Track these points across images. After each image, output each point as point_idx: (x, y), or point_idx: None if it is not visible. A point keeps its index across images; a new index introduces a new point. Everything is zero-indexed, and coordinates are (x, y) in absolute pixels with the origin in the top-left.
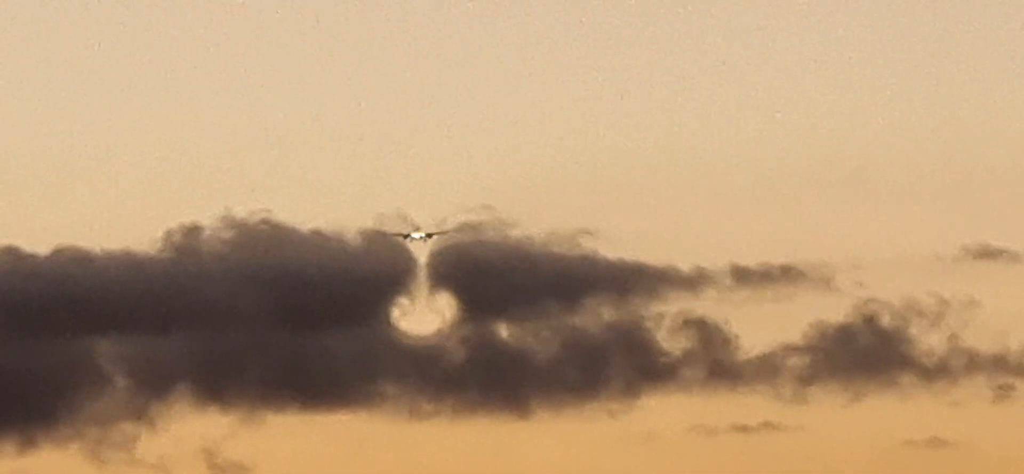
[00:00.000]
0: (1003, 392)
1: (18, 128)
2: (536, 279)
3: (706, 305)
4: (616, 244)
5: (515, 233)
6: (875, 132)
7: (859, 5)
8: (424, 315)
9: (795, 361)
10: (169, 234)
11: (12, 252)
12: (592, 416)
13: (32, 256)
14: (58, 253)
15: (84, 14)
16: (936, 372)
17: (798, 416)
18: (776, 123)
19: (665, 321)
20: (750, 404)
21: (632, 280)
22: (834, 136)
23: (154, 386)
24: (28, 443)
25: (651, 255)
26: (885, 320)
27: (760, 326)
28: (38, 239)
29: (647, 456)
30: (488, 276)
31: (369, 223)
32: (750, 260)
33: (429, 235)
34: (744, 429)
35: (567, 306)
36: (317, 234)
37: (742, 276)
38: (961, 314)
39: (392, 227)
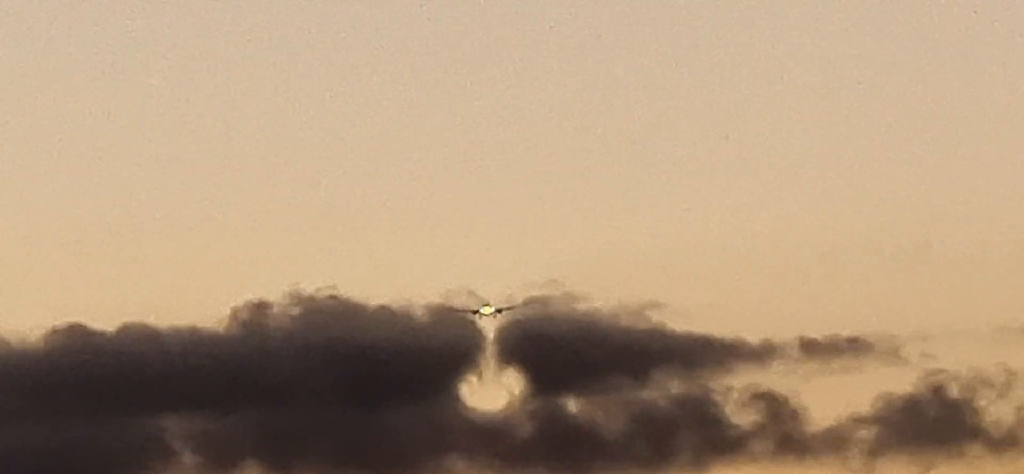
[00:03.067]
0: None
1: (85, 204)
2: (604, 353)
3: (774, 377)
4: (684, 317)
5: (583, 307)
6: (941, 204)
7: (923, 80)
8: (492, 390)
9: (864, 433)
10: (236, 311)
11: (79, 329)
12: None
13: (99, 333)
14: (125, 330)
15: (150, 92)
16: (1004, 442)
17: None
18: (843, 196)
19: (733, 394)
20: None
21: (700, 353)
22: (900, 209)
23: (222, 463)
24: None
25: (719, 327)
26: (953, 391)
27: (828, 398)
28: (105, 316)
29: None
30: (556, 350)
31: (437, 298)
32: (818, 332)
33: (498, 310)
34: None
35: (635, 379)
36: (384, 310)
37: (810, 348)
38: None
39: (460, 302)
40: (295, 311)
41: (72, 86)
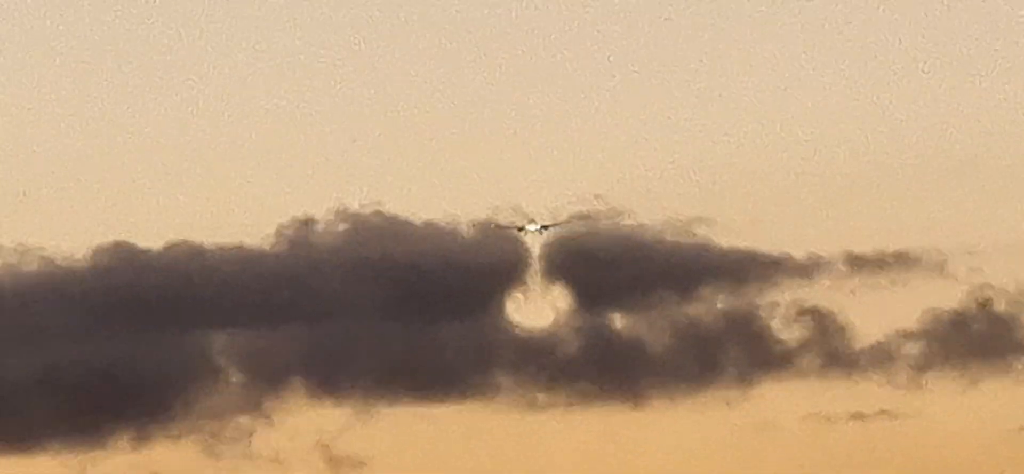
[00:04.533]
0: None
1: (130, 122)
2: (650, 269)
3: (820, 293)
4: (730, 232)
5: (629, 223)
6: (990, 118)
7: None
8: (538, 307)
9: (910, 348)
10: (282, 228)
11: (125, 247)
12: (707, 405)
13: (145, 251)
14: (171, 248)
15: (196, 10)
16: None
17: (914, 404)
18: (890, 110)
19: (780, 309)
20: (866, 392)
21: (746, 268)
22: (949, 123)
23: (268, 380)
24: (142, 439)
25: (765, 243)
26: (1000, 306)
27: (875, 313)
28: (151, 234)
29: (763, 445)
30: (602, 267)
31: (483, 214)
32: (864, 247)
33: (544, 227)
34: (861, 417)
35: (681, 295)
36: (430, 226)
37: (856, 263)
38: None
39: (506, 218)
40: (341, 227)
41: (119, 5)
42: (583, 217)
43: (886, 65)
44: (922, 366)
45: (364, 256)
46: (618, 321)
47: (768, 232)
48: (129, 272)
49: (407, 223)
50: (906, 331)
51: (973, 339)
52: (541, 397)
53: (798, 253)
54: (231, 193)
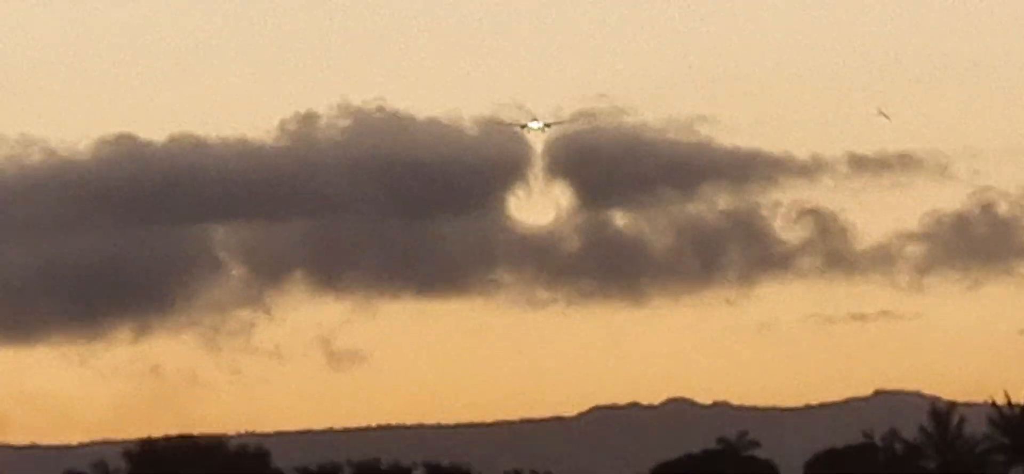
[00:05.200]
0: None
1: (135, 15)
2: (652, 166)
3: (822, 193)
4: (732, 131)
5: (631, 120)
6: (993, 21)
7: None
8: (540, 203)
9: (912, 249)
10: (284, 122)
11: (128, 140)
12: (708, 304)
13: (148, 144)
14: (174, 141)
15: None
16: None
17: (915, 304)
18: (895, 12)
19: (781, 209)
20: (867, 293)
21: (748, 167)
22: (952, 25)
23: (269, 274)
24: (143, 330)
25: (768, 142)
26: (1002, 208)
27: (877, 214)
28: (154, 127)
29: (764, 344)
30: (604, 164)
31: (486, 111)
32: (867, 148)
33: (546, 125)
34: (862, 318)
35: (683, 193)
36: (433, 122)
37: (859, 164)
38: None
39: (509, 116)
40: (343, 122)
41: None
42: (586, 114)
43: None
44: (923, 268)
45: (366, 151)
46: (619, 219)
47: (771, 131)
48: (131, 164)
49: (409, 119)
50: (908, 232)
51: (975, 241)
52: (542, 294)
53: (800, 153)
54: (234, 87)
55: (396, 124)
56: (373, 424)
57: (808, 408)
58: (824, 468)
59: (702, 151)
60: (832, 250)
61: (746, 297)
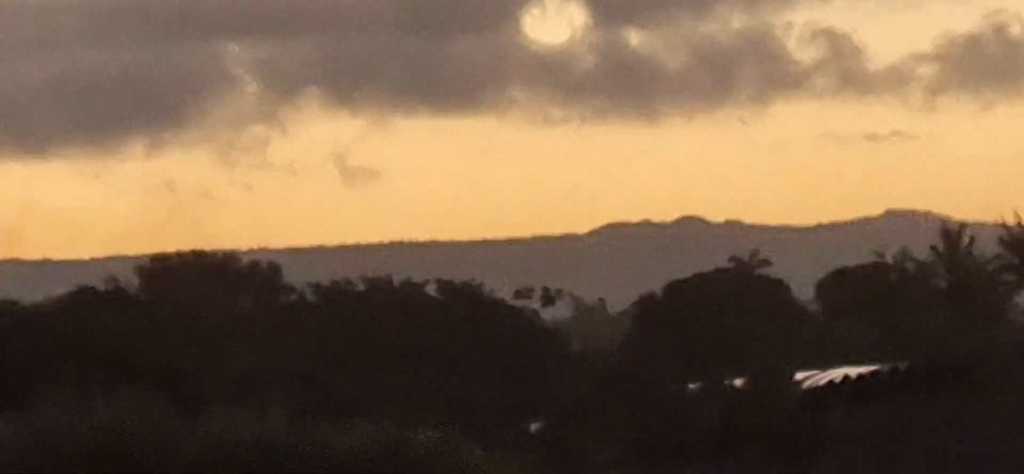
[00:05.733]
0: None
1: None
2: None
3: (836, 13)
4: None
5: None
6: None
7: None
8: (554, 22)
9: (924, 70)
10: None
11: None
12: (722, 123)
13: None
14: None
15: None
16: None
17: (928, 125)
18: None
19: (795, 29)
20: (879, 113)
21: None
22: None
23: (284, 90)
24: (156, 146)
25: None
26: (1015, 30)
27: (890, 35)
28: None
29: (777, 164)
30: None
31: None
32: None
33: None
34: (874, 137)
35: (697, 13)
36: None
37: None
38: None
39: None
40: None
41: None
42: None
43: None
44: (936, 88)
45: None
46: (634, 37)
47: None
48: None
49: None
50: (921, 53)
51: (987, 62)
52: (556, 112)
53: None
54: None
55: None
56: (385, 241)
57: (819, 227)
58: (835, 287)
59: None
60: (845, 70)
61: (759, 116)
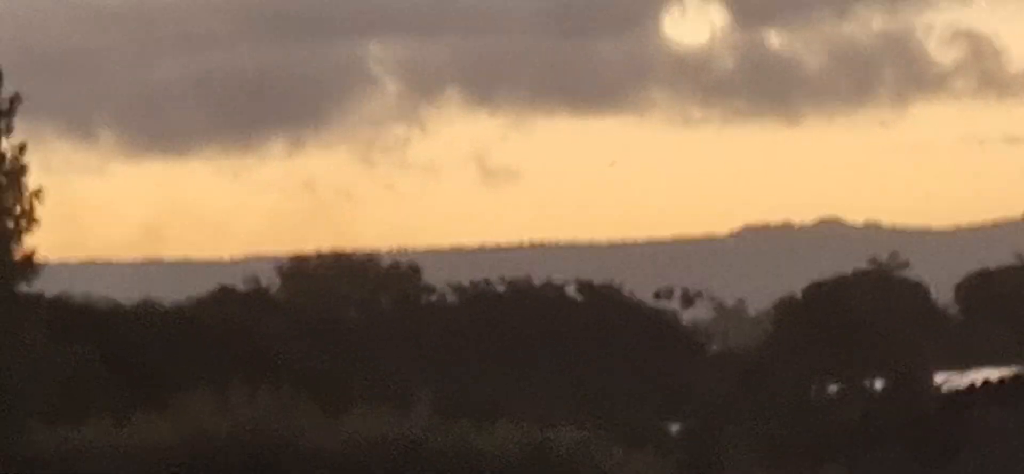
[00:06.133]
0: None
1: None
2: None
3: (976, 15)
4: None
5: None
6: None
7: None
8: (695, 23)
9: None
10: None
11: None
12: (863, 125)
13: None
14: None
15: None
16: None
17: None
18: None
19: (935, 31)
20: (1020, 115)
21: None
22: None
23: (424, 89)
24: (297, 145)
25: None
26: None
27: None
28: None
29: (917, 165)
30: None
31: None
32: None
33: None
34: (1014, 140)
35: (837, 14)
36: None
37: None
38: None
39: None
40: None
41: None
42: None
43: None
44: None
45: None
46: (774, 38)
47: None
48: None
49: None
50: None
51: None
52: (696, 113)
53: None
54: None
55: None
56: (525, 241)
57: (958, 229)
58: (974, 289)
59: None
60: (986, 72)
61: (899, 118)
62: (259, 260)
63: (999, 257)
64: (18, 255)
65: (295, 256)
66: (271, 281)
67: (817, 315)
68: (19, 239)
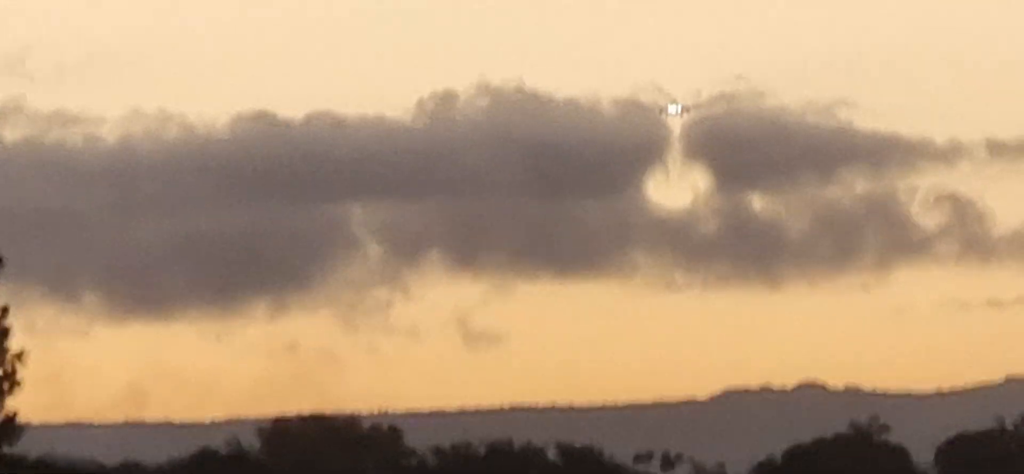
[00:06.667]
0: None
1: None
2: (790, 150)
3: (960, 178)
4: (871, 115)
5: (770, 104)
6: None
7: None
8: (678, 186)
9: None
10: (423, 101)
11: (266, 117)
12: (845, 289)
13: (286, 121)
14: (311, 118)
15: None
16: None
17: None
18: None
19: (919, 194)
20: (1003, 279)
21: (886, 152)
22: None
23: (407, 252)
24: (280, 308)
25: (906, 127)
26: None
27: (1015, 200)
28: (292, 104)
29: (900, 329)
30: (742, 147)
31: (624, 93)
32: (1006, 133)
33: (685, 109)
34: (998, 304)
35: (821, 177)
36: (571, 103)
37: (997, 149)
38: None
39: (647, 98)
40: (482, 102)
41: None
42: (724, 97)
43: None
44: None
45: (504, 131)
46: (757, 202)
47: (909, 116)
48: (269, 141)
49: (548, 99)
50: None
51: None
52: (679, 277)
53: (939, 138)
54: (372, 65)
55: (535, 104)
56: (506, 404)
57: (938, 392)
58: (955, 453)
59: (840, 135)
60: (969, 236)
61: (882, 282)
62: (241, 422)
63: (980, 421)
64: (1, 417)
65: (277, 418)
66: (251, 444)
67: None
68: (2, 401)
